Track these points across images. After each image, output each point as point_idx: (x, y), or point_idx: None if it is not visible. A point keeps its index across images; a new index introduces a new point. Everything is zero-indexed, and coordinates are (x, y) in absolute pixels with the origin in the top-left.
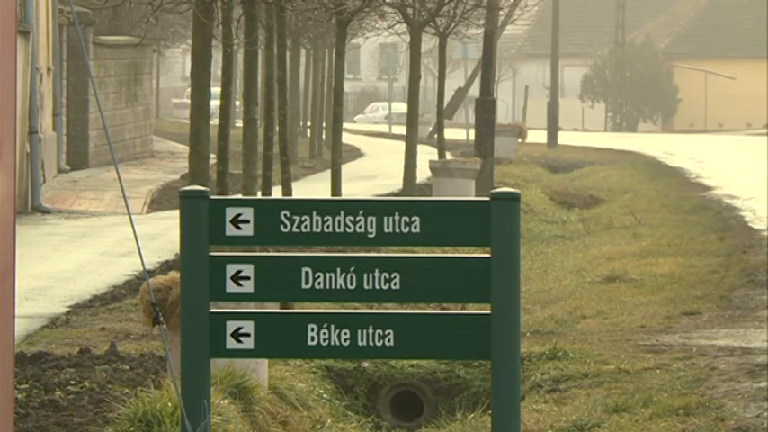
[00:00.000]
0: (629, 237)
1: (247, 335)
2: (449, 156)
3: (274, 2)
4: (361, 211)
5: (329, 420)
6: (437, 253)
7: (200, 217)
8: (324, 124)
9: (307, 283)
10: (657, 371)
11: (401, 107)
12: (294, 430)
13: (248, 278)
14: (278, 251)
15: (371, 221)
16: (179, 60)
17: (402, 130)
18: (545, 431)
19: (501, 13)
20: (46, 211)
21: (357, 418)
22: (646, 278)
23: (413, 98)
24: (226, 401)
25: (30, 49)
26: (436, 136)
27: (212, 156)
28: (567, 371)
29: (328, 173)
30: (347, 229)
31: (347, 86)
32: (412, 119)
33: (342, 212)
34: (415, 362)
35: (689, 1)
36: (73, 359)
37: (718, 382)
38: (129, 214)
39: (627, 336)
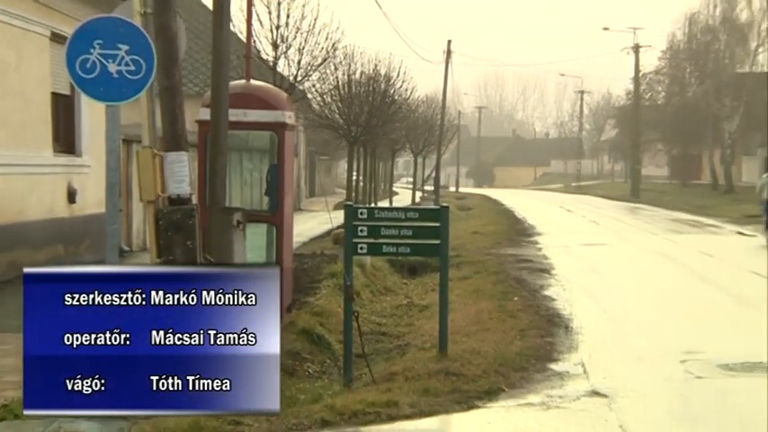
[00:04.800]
0: (481, 219)
1: (364, 247)
2: (426, 194)
3: (372, 148)
4: (401, 209)
5: (388, 275)
6: (425, 224)
7: (350, 212)
8: (387, 185)
9: (384, 233)
10: (489, 261)
11: (410, 179)
12: (379, 278)
13: (365, 230)
14: (374, 223)
15: (403, 214)
16: (343, 163)
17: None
18: (455, 279)
19: (443, 149)
20: (301, 209)
21: (398, 275)
22: (486, 232)
23: (415, 177)
24: (357, 269)
25: (298, 163)
26: (421, 189)
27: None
28: (461, 261)
29: (387, 200)
30: (395, 215)
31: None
32: (414, 183)
33: (395, 210)
34: (415, 257)
35: (505, 142)
36: (308, 256)
37: (508, 264)
38: (328, 210)
39: (480, 250)
